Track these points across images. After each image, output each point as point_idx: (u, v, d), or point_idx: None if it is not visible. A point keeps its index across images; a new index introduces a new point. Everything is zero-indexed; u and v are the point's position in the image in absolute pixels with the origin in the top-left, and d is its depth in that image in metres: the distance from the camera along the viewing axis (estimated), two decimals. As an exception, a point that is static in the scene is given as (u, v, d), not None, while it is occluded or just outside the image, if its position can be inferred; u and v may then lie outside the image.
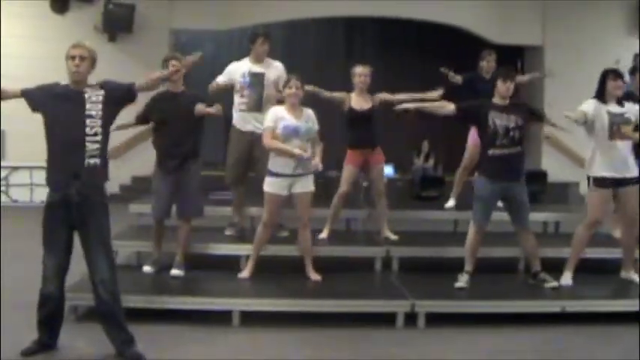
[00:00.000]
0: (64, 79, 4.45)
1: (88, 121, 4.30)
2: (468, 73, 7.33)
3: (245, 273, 5.85)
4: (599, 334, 5.20)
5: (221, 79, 6.37)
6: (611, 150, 5.66)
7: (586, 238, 5.86)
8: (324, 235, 6.59)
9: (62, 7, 11.60)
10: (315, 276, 5.87)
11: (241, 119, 6.38)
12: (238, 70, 6.37)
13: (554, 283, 5.75)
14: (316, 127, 5.75)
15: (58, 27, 11.18)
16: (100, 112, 4.35)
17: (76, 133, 4.28)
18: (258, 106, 6.33)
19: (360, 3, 11.69)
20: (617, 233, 6.31)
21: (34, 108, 4.41)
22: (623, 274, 6.00)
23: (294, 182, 5.67)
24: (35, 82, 4.49)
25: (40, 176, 9.64)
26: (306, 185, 5.73)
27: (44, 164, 4.38)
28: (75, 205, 4.26)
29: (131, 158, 10.54)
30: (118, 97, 4.46)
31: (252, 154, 6.32)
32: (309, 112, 5.74)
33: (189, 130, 5.79)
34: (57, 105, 4.33)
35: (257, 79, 6.32)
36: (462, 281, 5.71)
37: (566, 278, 5.82)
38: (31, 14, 11.32)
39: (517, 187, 5.68)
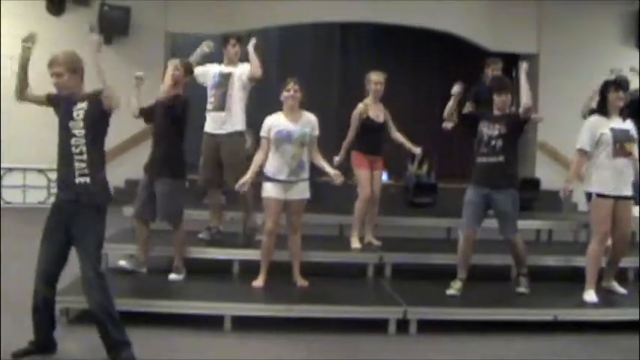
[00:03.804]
0: None
1: (73, 140, 4.20)
2: (475, 87, 7.35)
3: (259, 282, 5.75)
4: (591, 343, 5.21)
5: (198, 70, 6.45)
6: (611, 167, 5.63)
7: (600, 254, 5.79)
8: (356, 245, 6.61)
9: (58, 9, 11.57)
10: (301, 281, 5.85)
11: (210, 121, 6.44)
12: (211, 71, 6.47)
13: (523, 290, 5.80)
14: (316, 132, 5.71)
15: (53, 28, 11.12)
16: (82, 131, 4.18)
17: (66, 149, 4.23)
18: (221, 105, 6.36)
19: (356, 9, 11.69)
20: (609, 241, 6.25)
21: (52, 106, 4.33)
22: (604, 284, 5.97)
23: (290, 187, 5.65)
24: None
25: (34, 178, 9.65)
26: (302, 192, 5.71)
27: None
28: (68, 212, 4.24)
29: (125, 161, 10.49)
30: (100, 111, 4.22)
31: (220, 157, 6.36)
32: (310, 117, 5.70)
33: (168, 135, 5.82)
34: (60, 113, 4.27)
35: (224, 79, 6.40)
36: (455, 288, 5.71)
37: (590, 295, 5.67)
38: (28, 15, 11.28)
39: (498, 195, 5.65)
